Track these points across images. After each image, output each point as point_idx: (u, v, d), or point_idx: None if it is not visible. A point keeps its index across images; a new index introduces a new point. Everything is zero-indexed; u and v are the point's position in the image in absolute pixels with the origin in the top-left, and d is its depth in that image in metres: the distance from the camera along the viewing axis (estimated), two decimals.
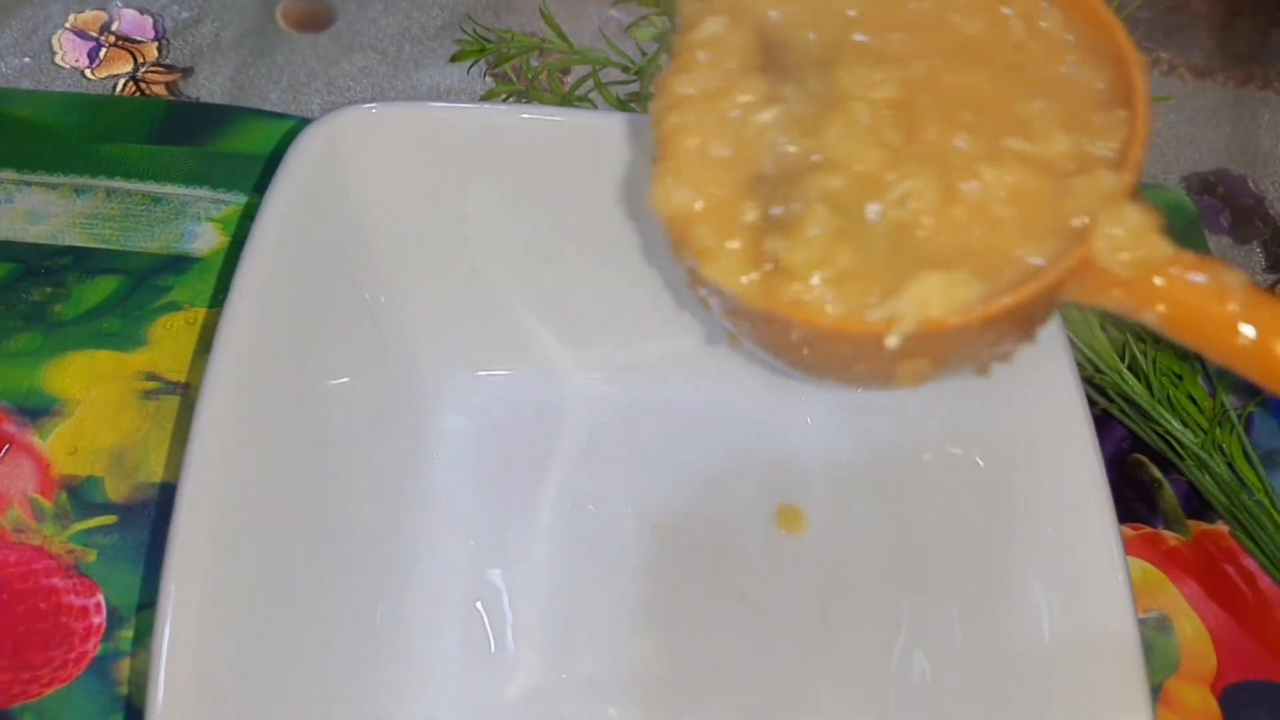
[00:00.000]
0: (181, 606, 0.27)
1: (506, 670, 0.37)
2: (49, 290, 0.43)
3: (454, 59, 0.52)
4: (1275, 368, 0.23)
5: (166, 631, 0.27)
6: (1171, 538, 0.44)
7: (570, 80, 0.52)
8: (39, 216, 0.45)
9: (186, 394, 0.41)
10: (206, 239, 0.45)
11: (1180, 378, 0.42)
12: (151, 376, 0.41)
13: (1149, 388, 0.42)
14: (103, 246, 0.44)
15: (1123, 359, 0.42)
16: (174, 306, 0.43)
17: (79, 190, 0.46)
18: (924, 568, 0.38)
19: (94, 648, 0.36)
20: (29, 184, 0.46)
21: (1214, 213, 0.55)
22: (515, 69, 0.51)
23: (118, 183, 0.46)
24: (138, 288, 0.43)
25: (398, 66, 0.53)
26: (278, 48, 0.52)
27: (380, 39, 0.53)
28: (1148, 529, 0.44)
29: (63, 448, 0.40)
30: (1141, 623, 0.42)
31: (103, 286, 0.43)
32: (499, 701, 0.36)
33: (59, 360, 0.41)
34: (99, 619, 0.37)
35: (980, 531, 0.36)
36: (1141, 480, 0.45)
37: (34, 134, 0.47)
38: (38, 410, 0.40)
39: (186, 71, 0.51)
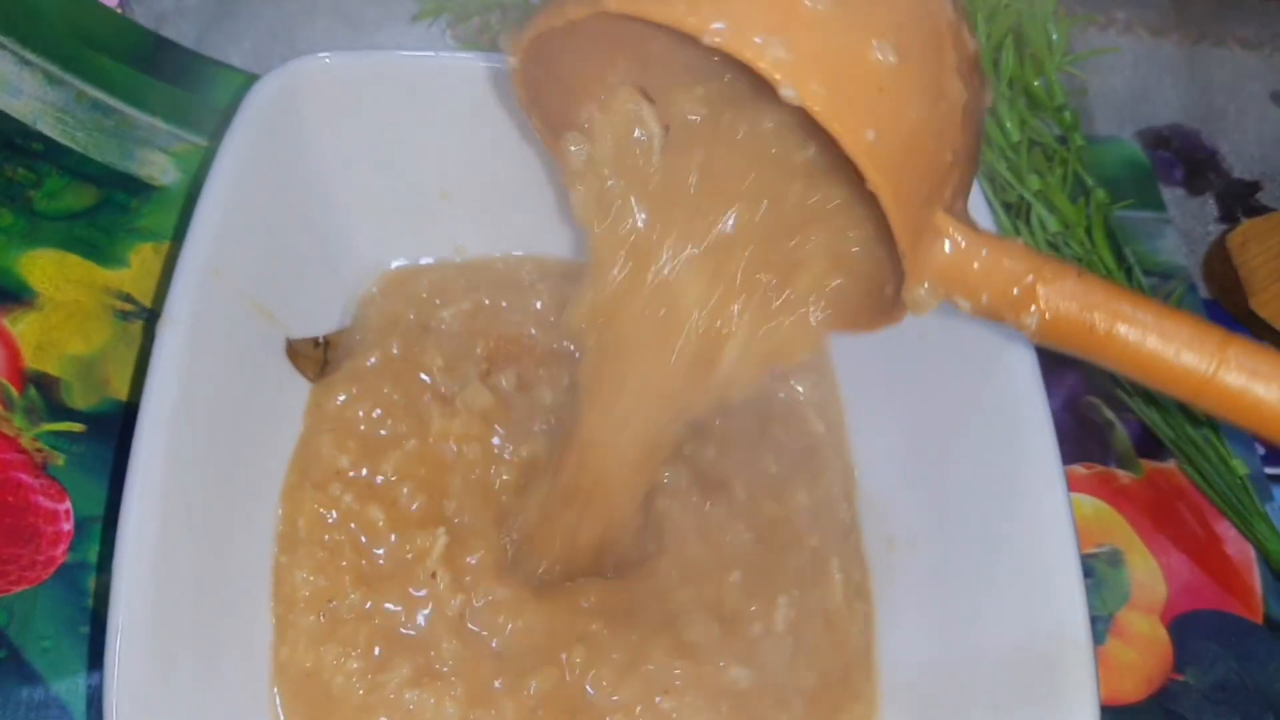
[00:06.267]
0: (139, 529, 0.28)
1: None
2: (23, 171, 0.44)
3: (416, 18, 0.52)
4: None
5: (126, 556, 0.28)
6: (1124, 476, 0.45)
7: None
8: (14, 89, 0.45)
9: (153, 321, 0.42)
10: (169, 172, 0.46)
11: None
12: (128, 299, 0.42)
13: None
14: (74, 148, 0.45)
15: None
16: (147, 234, 0.44)
17: (52, 80, 0.46)
18: (887, 506, 0.39)
19: (62, 554, 0.37)
20: (3, 48, 0.46)
21: (1168, 166, 0.56)
22: (476, 27, 0.52)
23: (93, 91, 0.47)
24: (106, 202, 0.44)
25: (360, 29, 0.53)
26: (240, 12, 0.52)
27: (343, 2, 0.54)
28: (1100, 468, 0.45)
29: (32, 339, 0.40)
30: (1094, 556, 0.43)
31: (74, 191, 0.44)
32: None
33: (33, 252, 0.42)
34: (68, 525, 0.37)
35: (927, 469, 0.37)
36: (1095, 421, 0.46)
37: (24, 4, 0.47)
38: (8, 294, 0.41)
39: None
